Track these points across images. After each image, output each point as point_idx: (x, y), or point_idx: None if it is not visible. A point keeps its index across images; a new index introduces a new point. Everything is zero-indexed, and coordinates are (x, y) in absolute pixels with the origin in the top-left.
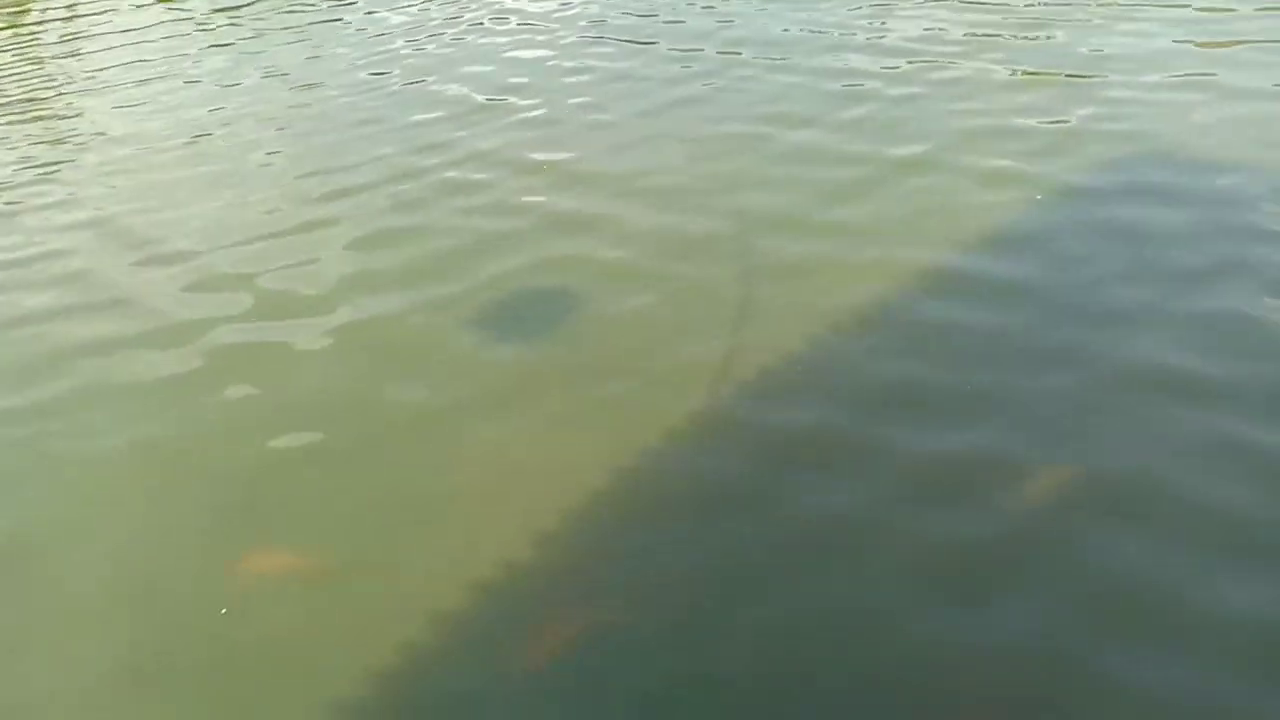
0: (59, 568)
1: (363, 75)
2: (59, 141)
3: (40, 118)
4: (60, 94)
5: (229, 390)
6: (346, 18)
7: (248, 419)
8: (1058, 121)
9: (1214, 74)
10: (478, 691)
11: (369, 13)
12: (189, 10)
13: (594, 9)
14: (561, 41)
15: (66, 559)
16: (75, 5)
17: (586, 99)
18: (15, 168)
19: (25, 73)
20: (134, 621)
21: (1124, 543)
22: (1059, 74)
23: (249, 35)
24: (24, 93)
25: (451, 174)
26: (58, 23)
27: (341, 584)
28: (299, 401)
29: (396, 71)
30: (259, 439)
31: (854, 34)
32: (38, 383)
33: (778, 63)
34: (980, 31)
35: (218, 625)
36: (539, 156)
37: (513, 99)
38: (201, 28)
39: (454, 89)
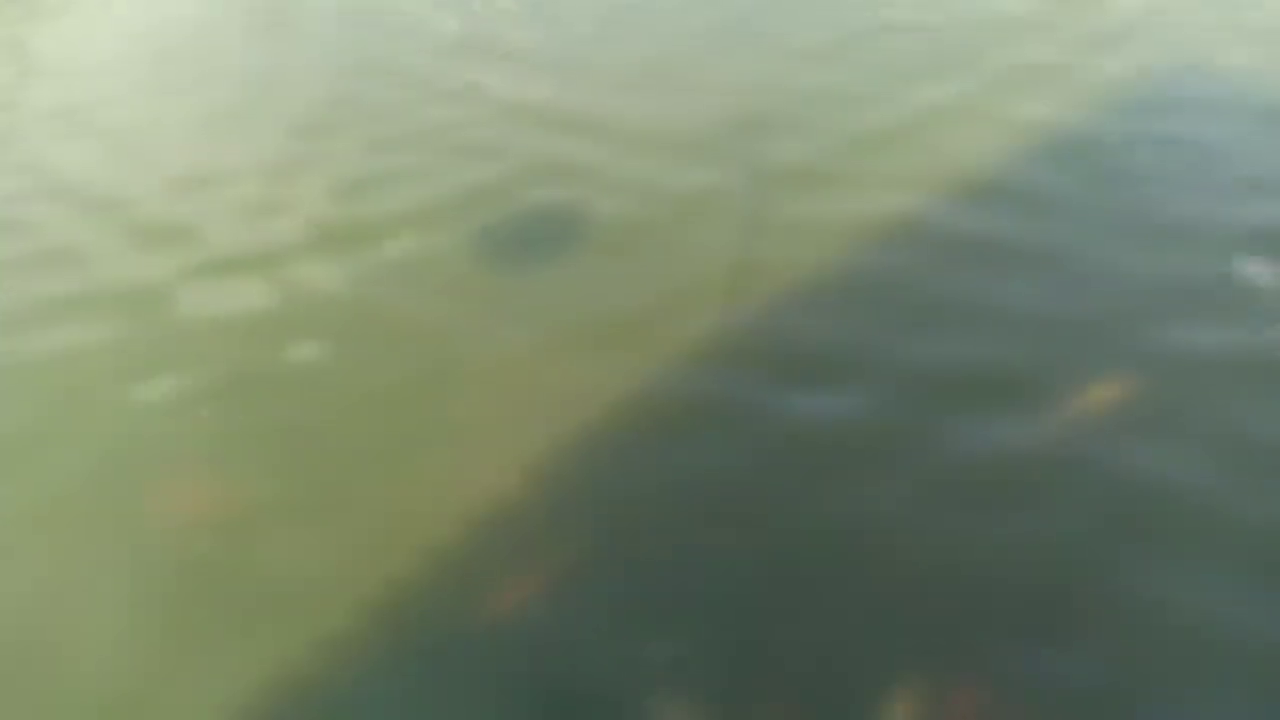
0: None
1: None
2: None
3: None
4: (1, 15)
5: (178, 356)
6: None
7: (203, 389)
8: (1091, 57)
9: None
10: (445, 640)
11: None
12: None
13: None
14: None
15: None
16: None
17: (586, 29)
18: None
19: None
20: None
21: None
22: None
23: None
24: None
25: (437, 110)
26: None
27: (313, 522)
28: (259, 369)
29: None
30: (217, 413)
31: None
32: None
33: None
34: None
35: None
36: (533, 94)
37: (502, 29)
38: None
39: (441, 17)
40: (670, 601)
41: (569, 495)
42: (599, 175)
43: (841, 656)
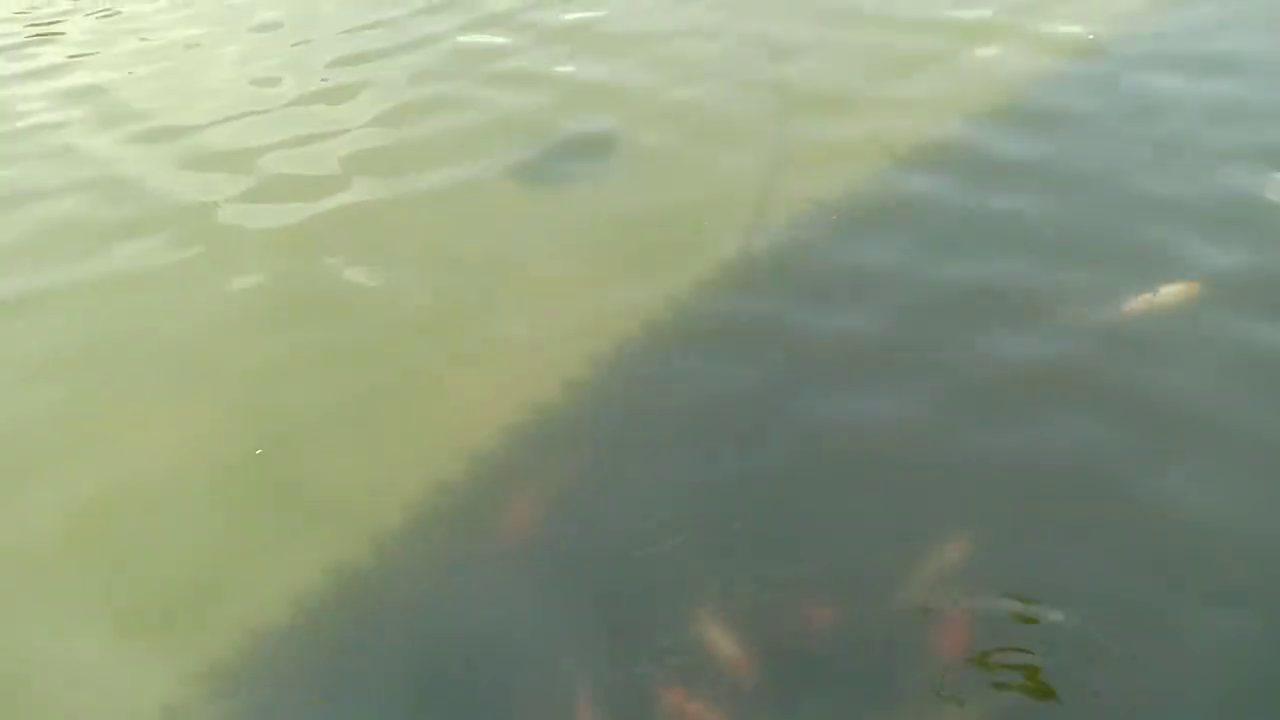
0: (60, 468)
1: None
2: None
3: None
4: None
5: (229, 279)
6: None
7: (252, 309)
8: None
9: None
10: (485, 541)
11: None
12: None
13: None
14: None
15: (72, 463)
16: None
17: None
18: (7, 25)
19: None
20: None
21: None
22: None
23: None
24: None
25: (469, 39)
26: None
27: (359, 432)
28: (306, 290)
29: None
30: (264, 330)
31: None
32: (30, 269)
33: None
34: None
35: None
36: (564, 17)
37: None
38: None
39: None
40: (702, 505)
41: (602, 407)
42: (630, 97)
43: (868, 553)
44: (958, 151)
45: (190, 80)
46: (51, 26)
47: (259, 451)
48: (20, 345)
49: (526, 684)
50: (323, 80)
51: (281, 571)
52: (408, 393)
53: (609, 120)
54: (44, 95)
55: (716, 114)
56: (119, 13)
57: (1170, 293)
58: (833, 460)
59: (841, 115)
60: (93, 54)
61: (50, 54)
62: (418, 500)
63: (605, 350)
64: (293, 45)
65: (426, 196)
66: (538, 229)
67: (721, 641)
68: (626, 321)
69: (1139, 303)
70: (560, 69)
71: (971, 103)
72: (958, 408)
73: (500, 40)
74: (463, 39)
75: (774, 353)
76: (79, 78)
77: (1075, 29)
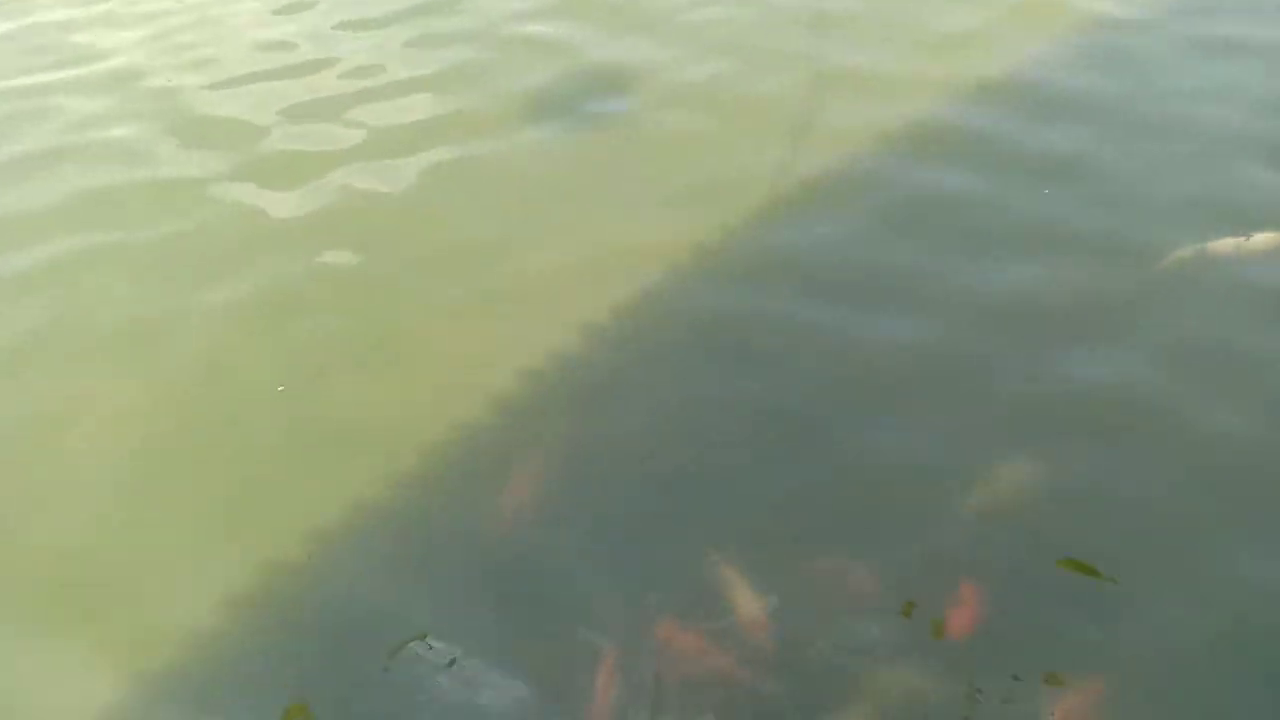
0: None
1: None
2: None
3: None
4: None
5: (226, 257)
6: None
7: (248, 290)
8: None
9: None
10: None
11: None
12: None
13: None
14: None
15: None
16: None
17: None
18: None
19: None
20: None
21: None
22: None
23: None
24: None
25: (487, 1)
26: None
27: (377, 378)
28: (306, 271)
29: None
30: (262, 312)
31: None
32: (19, 244)
33: None
34: None
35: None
36: None
37: None
38: None
39: None
40: (717, 473)
41: (608, 393)
42: (652, 71)
43: (883, 528)
44: (996, 140)
45: (196, 44)
46: None
47: (280, 389)
48: (7, 328)
49: (534, 646)
50: (335, 47)
51: (273, 550)
52: (435, 334)
53: (629, 94)
54: (39, 54)
55: (745, 90)
56: None
57: (1262, 239)
58: (844, 448)
59: (874, 94)
60: (88, 9)
61: (48, 11)
62: (418, 471)
63: (610, 337)
64: (306, 8)
65: (432, 173)
66: (547, 211)
67: (742, 600)
68: (633, 309)
69: (1226, 245)
70: (582, 35)
71: (1006, 85)
72: (984, 414)
73: (520, 5)
74: (480, 1)
75: (777, 344)
76: (81, 37)
77: (1127, 7)
